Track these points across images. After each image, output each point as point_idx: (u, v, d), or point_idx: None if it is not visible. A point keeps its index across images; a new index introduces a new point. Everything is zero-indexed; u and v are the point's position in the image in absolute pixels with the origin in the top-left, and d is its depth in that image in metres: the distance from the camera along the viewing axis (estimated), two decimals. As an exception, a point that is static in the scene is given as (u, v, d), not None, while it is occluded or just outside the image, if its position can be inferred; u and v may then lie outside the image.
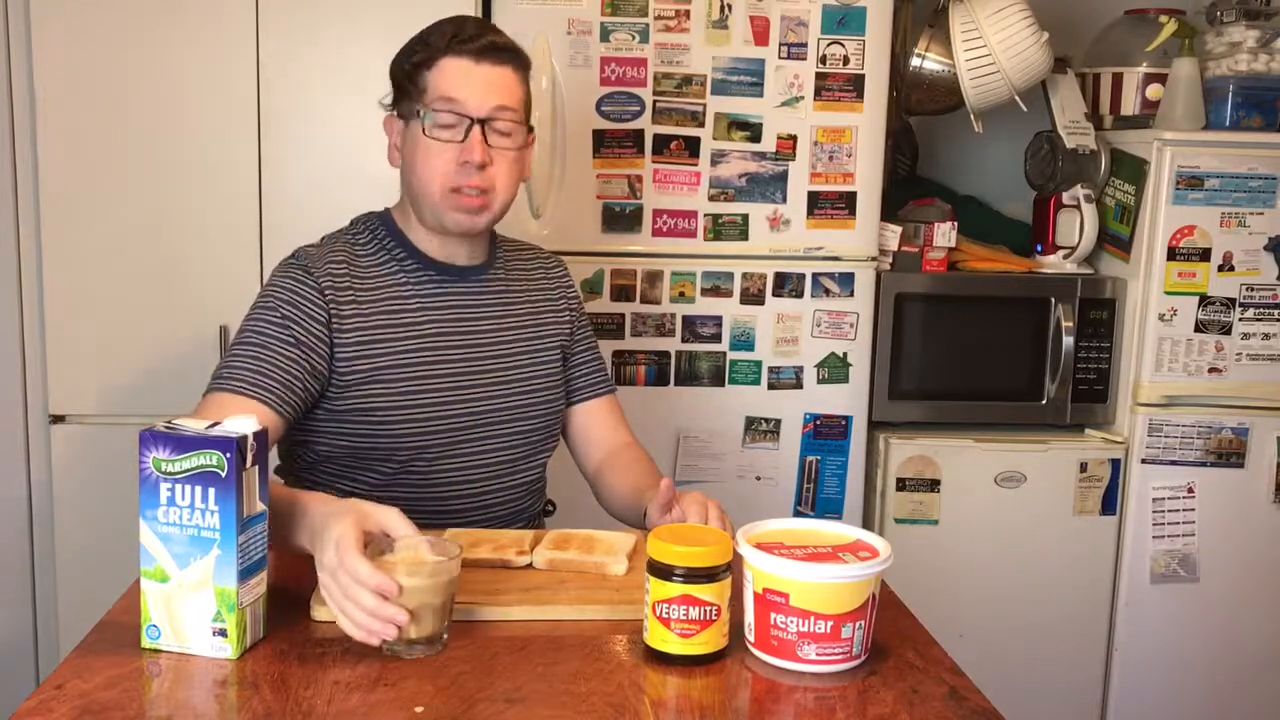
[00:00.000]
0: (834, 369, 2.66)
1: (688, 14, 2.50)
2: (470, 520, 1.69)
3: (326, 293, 1.62)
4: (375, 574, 1.18)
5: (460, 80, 1.62)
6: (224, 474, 1.17)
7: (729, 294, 2.61)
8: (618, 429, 1.88)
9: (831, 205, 2.60)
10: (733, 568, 1.25)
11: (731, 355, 2.63)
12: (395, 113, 1.71)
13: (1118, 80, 2.85)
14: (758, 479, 2.67)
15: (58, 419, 2.43)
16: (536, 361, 1.78)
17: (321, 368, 1.61)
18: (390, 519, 1.27)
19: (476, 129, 1.61)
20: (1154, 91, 2.79)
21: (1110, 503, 2.76)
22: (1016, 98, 2.73)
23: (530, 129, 1.71)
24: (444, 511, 1.69)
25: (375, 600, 1.18)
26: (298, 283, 1.63)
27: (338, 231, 1.76)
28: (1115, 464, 2.76)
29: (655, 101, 2.53)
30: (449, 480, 1.70)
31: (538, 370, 1.78)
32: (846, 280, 2.64)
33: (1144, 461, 2.74)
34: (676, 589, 1.21)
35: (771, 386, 2.65)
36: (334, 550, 1.20)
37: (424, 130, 1.63)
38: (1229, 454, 2.75)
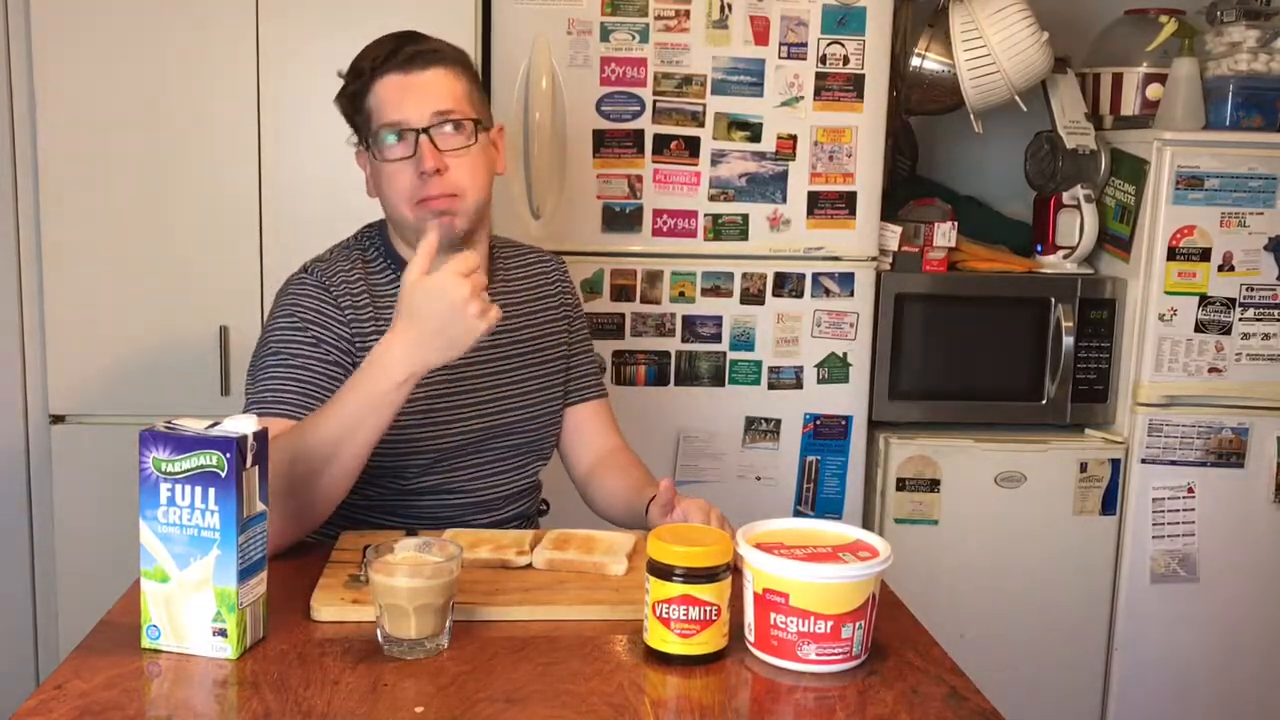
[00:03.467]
0: (834, 369, 2.66)
1: (688, 14, 2.50)
2: (469, 523, 1.68)
3: (346, 311, 1.62)
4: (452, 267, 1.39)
5: (395, 97, 1.60)
6: (224, 474, 1.17)
7: (729, 294, 2.61)
8: (609, 432, 1.88)
9: (831, 205, 2.60)
10: (733, 568, 1.25)
11: (731, 355, 2.63)
12: (361, 146, 1.70)
13: (1118, 80, 2.85)
14: (758, 479, 2.67)
15: (58, 419, 2.43)
16: (538, 374, 1.78)
17: None
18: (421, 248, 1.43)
19: (424, 138, 1.59)
20: (1154, 91, 2.79)
21: (1110, 503, 2.76)
22: (1016, 98, 2.73)
23: (482, 123, 1.66)
24: (444, 517, 1.68)
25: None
26: (320, 301, 1.62)
27: (344, 245, 1.74)
28: (1115, 464, 2.76)
29: (655, 101, 2.53)
30: (452, 489, 1.70)
31: (539, 381, 1.78)
32: (846, 280, 2.64)
33: (1144, 461, 2.74)
34: (676, 589, 1.21)
35: (771, 386, 2.65)
36: (442, 286, 1.38)
37: (377, 157, 1.63)
38: (1229, 454, 2.75)
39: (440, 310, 1.40)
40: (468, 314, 1.40)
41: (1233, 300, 2.70)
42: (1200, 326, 2.71)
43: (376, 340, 1.61)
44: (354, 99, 1.64)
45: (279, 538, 1.41)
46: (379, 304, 1.66)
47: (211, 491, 1.18)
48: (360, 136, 1.68)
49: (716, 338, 2.62)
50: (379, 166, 1.64)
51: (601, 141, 2.53)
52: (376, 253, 1.71)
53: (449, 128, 1.61)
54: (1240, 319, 2.71)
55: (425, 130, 1.60)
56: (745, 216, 2.59)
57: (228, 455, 1.17)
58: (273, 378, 1.57)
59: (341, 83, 1.67)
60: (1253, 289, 2.70)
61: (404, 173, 1.61)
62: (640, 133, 2.53)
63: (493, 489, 1.74)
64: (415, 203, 1.62)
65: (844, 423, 2.68)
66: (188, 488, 1.18)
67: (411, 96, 1.60)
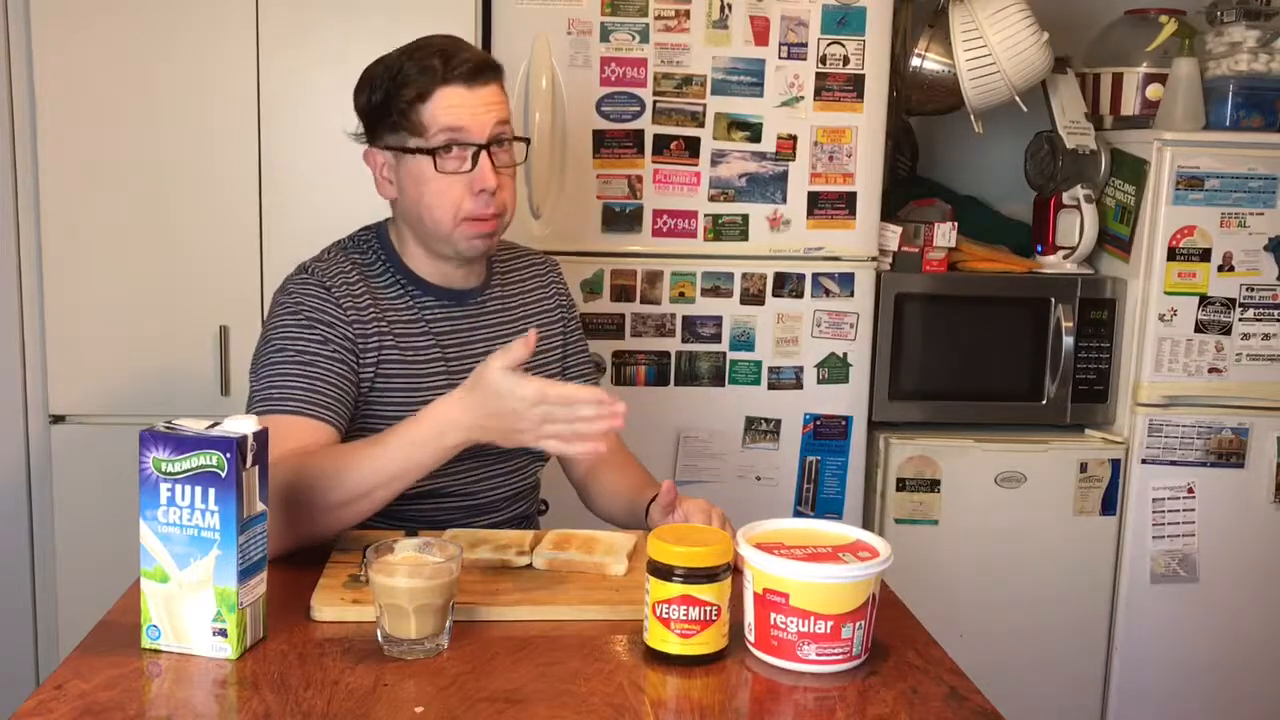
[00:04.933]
0: (834, 369, 2.66)
1: (688, 14, 2.50)
2: (467, 526, 1.68)
3: (349, 312, 1.62)
4: (583, 389, 1.39)
5: (459, 108, 1.60)
6: (224, 474, 1.17)
7: (729, 294, 2.61)
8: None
9: (831, 205, 2.60)
10: (733, 568, 1.25)
11: (731, 355, 2.63)
12: (376, 145, 1.67)
13: (1118, 80, 2.85)
14: (758, 479, 2.67)
15: (58, 419, 2.43)
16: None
17: (356, 383, 1.61)
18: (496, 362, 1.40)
19: (484, 155, 1.60)
20: (1154, 91, 2.79)
21: (1110, 503, 2.76)
22: (1016, 98, 2.73)
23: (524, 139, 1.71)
24: (442, 520, 1.68)
25: (596, 408, 1.36)
26: (323, 300, 1.61)
27: (340, 246, 1.73)
28: (1115, 464, 2.76)
29: (655, 101, 2.53)
30: (449, 492, 1.69)
31: None
32: (846, 280, 2.64)
33: (1144, 461, 2.74)
34: (676, 589, 1.21)
35: (771, 386, 2.65)
36: (519, 395, 1.37)
37: (436, 166, 1.61)
38: (1229, 454, 2.75)
39: (514, 413, 1.40)
40: (537, 430, 1.40)
41: (1233, 300, 2.70)
42: (1200, 327, 2.71)
43: (378, 342, 1.62)
44: (410, 104, 1.60)
45: (282, 549, 1.41)
46: (384, 309, 1.66)
47: (211, 491, 1.18)
48: (389, 139, 1.64)
49: (716, 338, 2.62)
50: (425, 176, 1.61)
51: (601, 141, 2.53)
52: (376, 258, 1.71)
53: (502, 147, 1.63)
54: (1240, 319, 2.71)
55: (486, 147, 1.60)
56: (745, 217, 2.59)
57: (228, 455, 1.17)
58: (280, 374, 1.56)
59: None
60: (1253, 289, 2.70)
61: (456, 185, 1.61)
62: (640, 133, 2.53)
63: (490, 491, 1.74)
64: (463, 219, 1.62)
65: (844, 423, 2.68)
66: (188, 488, 1.18)
67: (476, 111, 1.60)
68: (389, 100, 1.63)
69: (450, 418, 1.43)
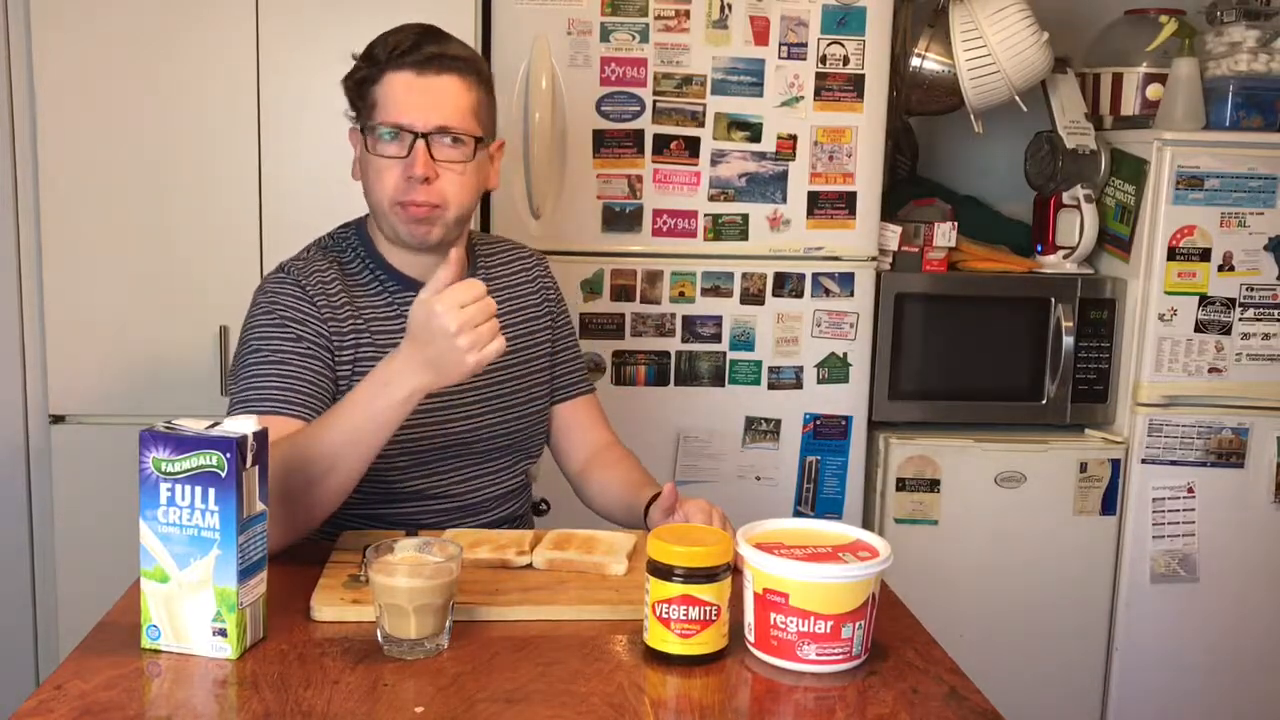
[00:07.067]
0: (834, 369, 2.66)
1: (688, 14, 2.50)
2: (457, 524, 1.68)
3: (323, 310, 1.61)
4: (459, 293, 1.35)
5: (402, 95, 1.59)
6: (224, 474, 1.17)
7: (729, 294, 2.61)
8: (600, 428, 1.87)
9: (831, 205, 2.60)
10: (733, 568, 1.25)
11: (731, 355, 2.63)
12: (356, 126, 1.69)
13: (1118, 80, 2.85)
14: (758, 479, 2.67)
15: (58, 419, 2.43)
16: (521, 372, 1.76)
17: (333, 380, 1.61)
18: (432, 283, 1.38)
19: (420, 143, 1.58)
20: (1154, 91, 2.79)
21: (1110, 503, 2.76)
22: (1016, 98, 2.73)
23: (485, 139, 1.65)
24: (430, 523, 1.67)
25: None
26: (298, 299, 1.61)
27: (319, 244, 1.72)
28: (1115, 464, 2.76)
29: (655, 101, 2.53)
30: (437, 493, 1.69)
31: (523, 381, 1.76)
32: (846, 280, 2.64)
33: (1144, 461, 2.74)
34: (676, 589, 1.21)
35: (771, 386, 2.65)
36: (438, 310, 1.34)
37: (368, 147, 1.61)
38: (1229, 454, 2.75)
39: (431, 338, 1.37)
40: (455, 347, 1.36)
41: (1233, 300, 2.70)
42: (1200, 326, 2.71)
43: (354, 341, 1.62)
44: (361, 84, 1.62)
45: (276, 543, 1.41)
46: (359, 305, 1.65)
47: (211, 491, 1.18)
48: (358, 119, 1.66)
49: (716, 338, 2.62)
50: (369, 157, 1.62)
51: (601, 141, 2.53)
52: (354, 254, 1.70)
53: (448, 140, 1.60)
54: (1240, 319, 2.71)
55: (424, 136, 1.58)
56: (745, 216, 2.59)
57: (228, 455, 1.17)
58: (255, 375, 1.57)
59: (346, 62, 1.65)
60: (1253, 289, 2.70)
61: (392, 170, 1.60)
62: (640, 133, 2.53)
63: (479, 491, 1.73)
64: (395, 203, 1.61)
65: (844, 423, 2.68)
66: (188, 488, 1.18)
67: (420, 100, 1.58)
68: (349, 81, 1.65)
69: (392, 368, 1.41)
